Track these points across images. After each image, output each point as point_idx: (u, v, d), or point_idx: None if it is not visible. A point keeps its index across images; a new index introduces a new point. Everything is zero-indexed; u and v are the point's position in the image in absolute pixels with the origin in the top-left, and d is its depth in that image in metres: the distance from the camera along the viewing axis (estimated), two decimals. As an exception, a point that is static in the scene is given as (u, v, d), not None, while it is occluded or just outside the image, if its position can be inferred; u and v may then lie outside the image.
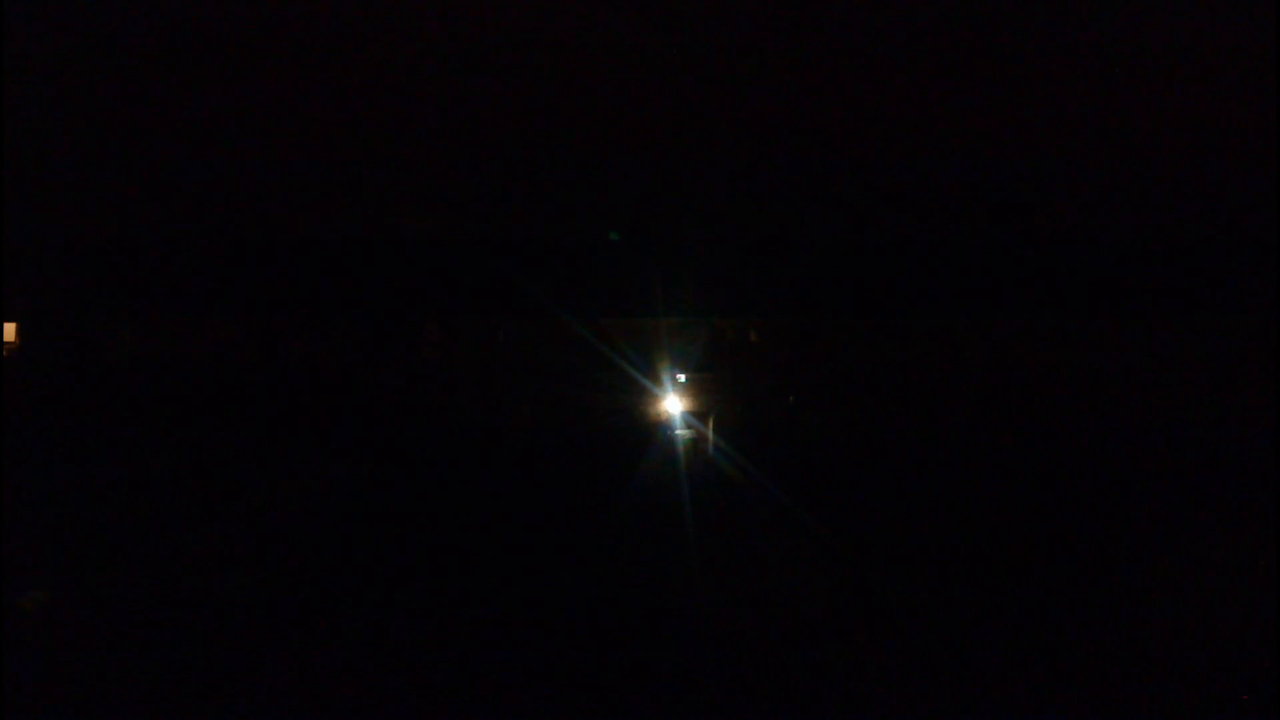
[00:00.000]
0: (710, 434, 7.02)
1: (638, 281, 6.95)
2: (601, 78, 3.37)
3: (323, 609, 4.79)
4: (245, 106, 3.73)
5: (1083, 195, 5.36)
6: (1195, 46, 3.08)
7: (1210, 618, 4.61)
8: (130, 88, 3.51)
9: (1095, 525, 6.03)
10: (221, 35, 3.03)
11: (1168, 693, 4.00)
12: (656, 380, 7.15)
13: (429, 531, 5.96)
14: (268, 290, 7.11)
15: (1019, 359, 7.19)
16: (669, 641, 4.43)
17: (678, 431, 7.08)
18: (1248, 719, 3.87)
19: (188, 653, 4.30)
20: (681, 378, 7.21)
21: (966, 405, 7.15)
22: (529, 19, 2.91)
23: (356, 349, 7.29)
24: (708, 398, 7.21)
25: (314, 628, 4.57)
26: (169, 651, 4.30)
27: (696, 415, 7.14)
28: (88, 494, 6.32)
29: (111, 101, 3.67)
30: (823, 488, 6.43)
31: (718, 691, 4.03)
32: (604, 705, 3.93)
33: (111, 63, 3.25)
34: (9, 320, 7.09)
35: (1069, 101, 3.63)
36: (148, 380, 7.13)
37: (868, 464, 6.89)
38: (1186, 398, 6.97)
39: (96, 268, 6.99)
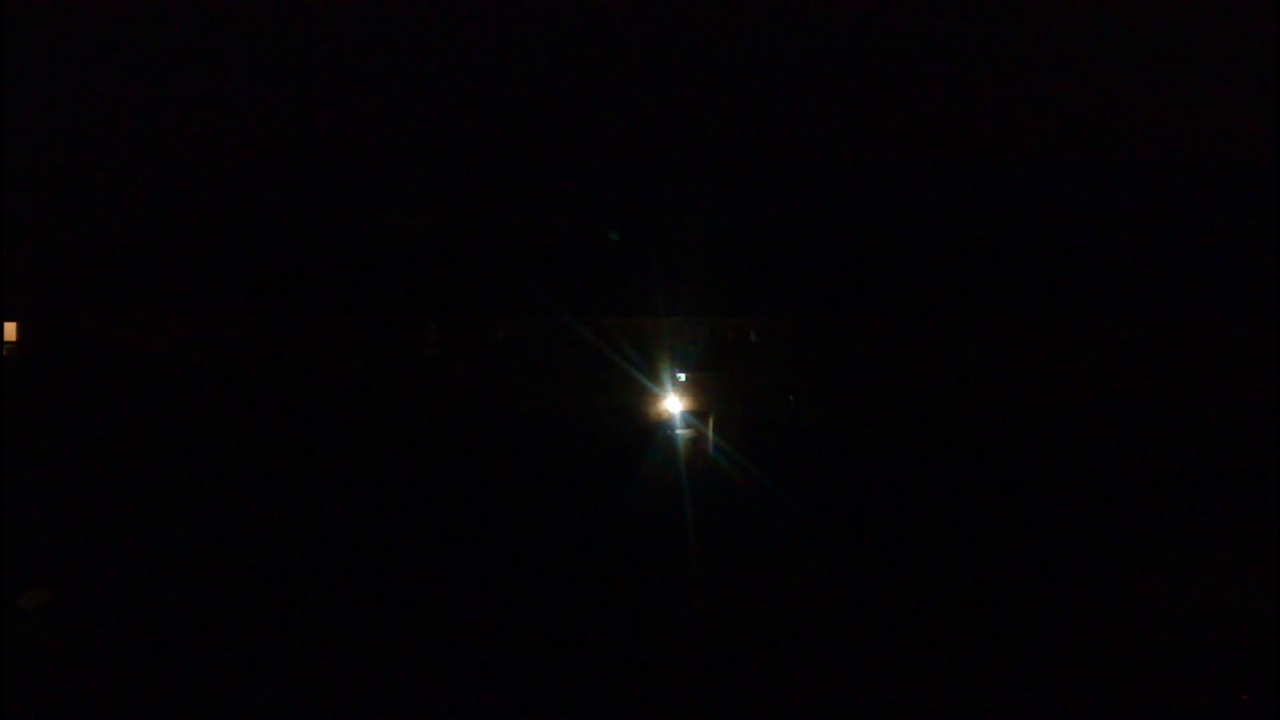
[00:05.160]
0: (710, 434, 7.02)
1: (638, 281, 6.96)
2: (602, 78, 3.37)
3: (323, 608, 4.79)
4: (246, 108, 3.73)
5: (1083, 195, 5.37)
6: (1195, 47, 3.09)
7: (1210, 618, 4.61)
8: (130, 89, 3.51)
9: (1095, 524, 6.03)
10: (222, 37, 3.03)
11: (1168, 693, 4.00)
12: (657, 380, 7.15)
13: (429, 530, 5.96)
14: (269, 290, 7.11)
15: (1019, 358, 7.19)
16: (669, 641, 4.44)
17: (678, 431, 7.08)
18: (1248, 719, 3.88)
19: (188, 652, 4.30)
20: (681, 377, 7.21)
21: (966, 404, 7.15)
22: (529, 20, 2.91)
23: (356, 349, 7.29)
24: (708, 398, 7.20)
25: (314, 627, 4.57)
26: (169, 651, 4.30)
27: (696, 415, 7.14)
28: (88, 494, 6.32)
29: (112, 103, 3.67)
30: (823, 487, 6.43)
31: (718, 691, 4.03)
32: (603, 704, 3.93)
33: (111, 64, 3.25)
34: (9, 320, 7.09)
35: (1069, 102, 3.63)
36: (148, 380, 7.13)
37: (868, 463, 6.89)
38: (1186, 397, 6.97)
39: (96, 268, 6.99)
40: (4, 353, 7.09)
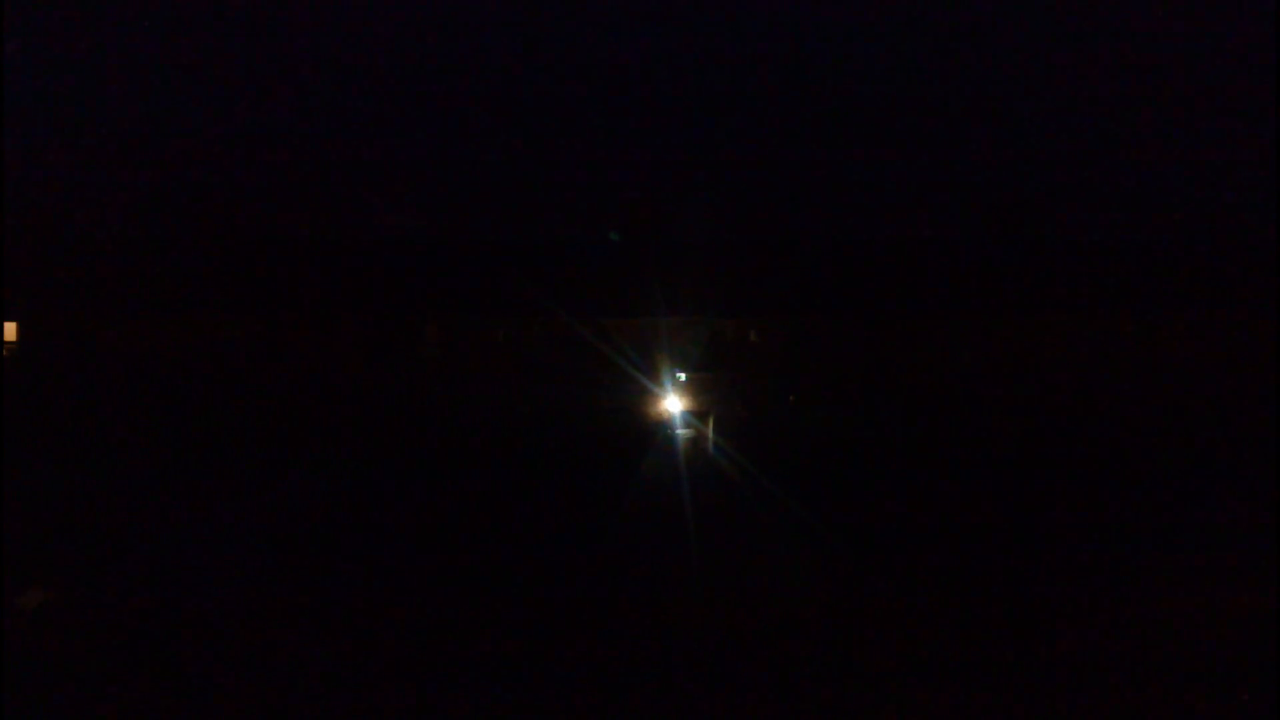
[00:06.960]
0: (710, 433, 7.03)
1: (638, 281, 6.97)
2: (602, 79, 3.37)
3: (322, 607, 4.79)
4: (246, 108, 3.73)
5: (1082, 195, 5.37)
6: (1195, 47, 3.08)
7: (1210, 617, 4.61)
8: (130, 90, 3.51)
9: (1095, 524, 6.04)
10: (222, 38, 3.03)
11: (1168, 693, 4.00)
12: (657, 380, 7.16)
13: (430, 529, 5.96)
14: (268, 290, 7.12)
15: (1018, 358, 7.20)
16: (669, 639, 4.44)
17: (678, 430, 7.09)
18: (1248, 719, 3.88)
19: (187, 652, 4.30)
20: (682, 377, 7.22)
21: (965, 404, 7.16)
22: (530, 21, 2.91)
23: (356, 349, 7.29)
24: (708, 397, 7.21)
25: (314, 625, 4.57)
26: (169, 651, 4.30)
27: (696, 415, 7.15)
28: (88, 494, 6.32)
29: (112, 103, 3.68)
30: (822, 487, 6.44)
31: (717, 690, 4.03)
32: (604, 702, 3.93)
33: (111, 65, 3.25)
34: (9, 320, 7.10)
35: (1069, 103, 3.63)
36: (148, 380, 7.13)
37: (867, 463, 6.89)
38: (1185, 396, 6.97)
39: (96, 268, 7.00)
40: (4, 353, 7.09)
